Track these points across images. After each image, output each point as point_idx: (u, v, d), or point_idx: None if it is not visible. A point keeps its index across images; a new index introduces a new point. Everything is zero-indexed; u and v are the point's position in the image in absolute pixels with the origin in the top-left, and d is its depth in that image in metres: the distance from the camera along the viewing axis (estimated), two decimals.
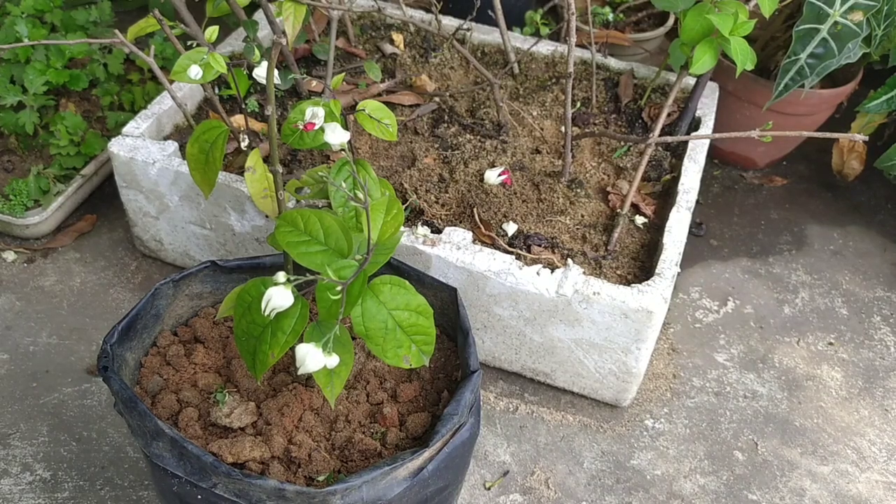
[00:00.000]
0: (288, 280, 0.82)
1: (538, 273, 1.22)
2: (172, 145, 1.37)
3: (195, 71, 1.03)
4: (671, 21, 1.95)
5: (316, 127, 0.91)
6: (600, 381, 1.31)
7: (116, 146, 1.37)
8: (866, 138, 1.11)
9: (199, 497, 0.92)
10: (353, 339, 1.08)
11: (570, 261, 1.24)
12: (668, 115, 1.52)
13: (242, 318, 0.90)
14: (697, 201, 1.68)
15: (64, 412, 1.29)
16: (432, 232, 1.30)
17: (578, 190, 1.39)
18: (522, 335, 1.29)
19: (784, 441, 1.34)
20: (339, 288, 0.82)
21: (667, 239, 1.28)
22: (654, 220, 1.39)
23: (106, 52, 1.69)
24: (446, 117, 1.53)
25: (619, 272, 1.29)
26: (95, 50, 1.68)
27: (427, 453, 0.93)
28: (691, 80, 1.55)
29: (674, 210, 1.33)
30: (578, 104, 1.58)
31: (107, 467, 1.23)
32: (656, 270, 1.23)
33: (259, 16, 1.66)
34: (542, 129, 1.51)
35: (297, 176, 1.36)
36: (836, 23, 1.39)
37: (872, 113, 1.62)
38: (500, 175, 1.33)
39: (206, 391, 1.05)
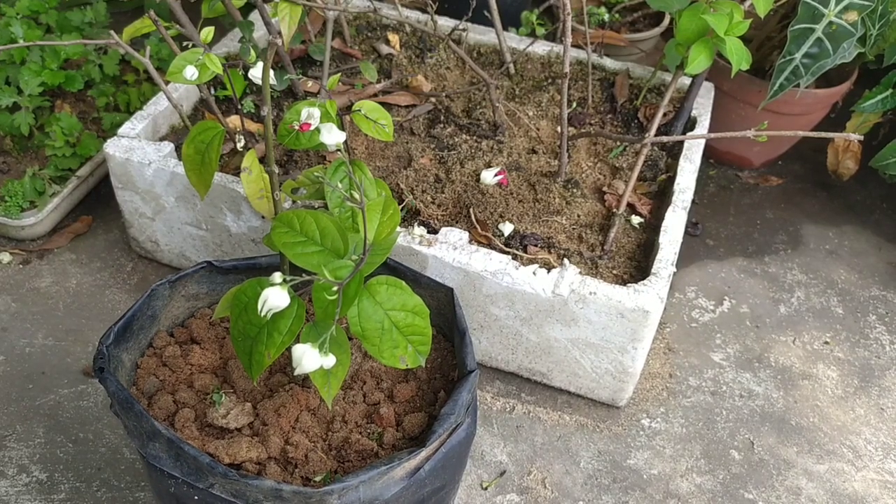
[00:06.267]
0: (284, 281, 0.82)
1: (534, 273, 1.22)
2: (168, 146, 1.37)
3: (191, 72, 1.03)
4: (667, 21, 1.95)
5: (312, 127, 0.91)
6: (597, 380, 1.31)
7: (112, 147, 1.37)
8: (861, 138, 1.11)
9: (196, 498, 0.92)
10: (350, 339, 1.08)
11: (566, 261, 1.24)
12: (664, 115, 1.52)
13: (239, 319, 0.90)
14: (693, 201, 1.69)
15: (60, 414, 1.29)
16: (429, 232, 1.30)
17: (574, 190, 1.39)
18: (519, 335, 1.29)
19: (780, 440, 1.34)
20: (335, 288, 0.82)
21: (663, 239, 1.28)
22: (650, 219, 1.39)
23: (101, 53, 1.69)
24: (442, 118, 1.53)
25: (615, 272, 1.29)
26: (91, 51, 1.67)
27: (424, 453, 0.94)
28: (687, 80, 1.55)
29: (670, 210, 1.33)
30: (574, 104, 1.58)
31: (103, 469, 1.23)
32: (652, 270, 1.23)
33: (255, 16, 1.66)
34: (538, 130, 1.51)
35: (294, 176, 1.36)
36: (830, 23, 1.39)
37: (867, 112, 1.63)
38: (496, 175, 1.33)
39: (203, 392, 1.05)
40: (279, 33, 1.32)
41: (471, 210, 1.34)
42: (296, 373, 0.83)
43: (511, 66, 1.61)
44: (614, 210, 1.36)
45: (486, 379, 1.38)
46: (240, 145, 1.36)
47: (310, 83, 1.56)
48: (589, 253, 1.31)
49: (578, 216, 1.37)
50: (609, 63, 1.65)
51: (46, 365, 1.35)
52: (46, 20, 1.69)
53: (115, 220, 1.59)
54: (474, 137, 1.48)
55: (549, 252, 1.30)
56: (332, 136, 0.89)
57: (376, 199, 0.89)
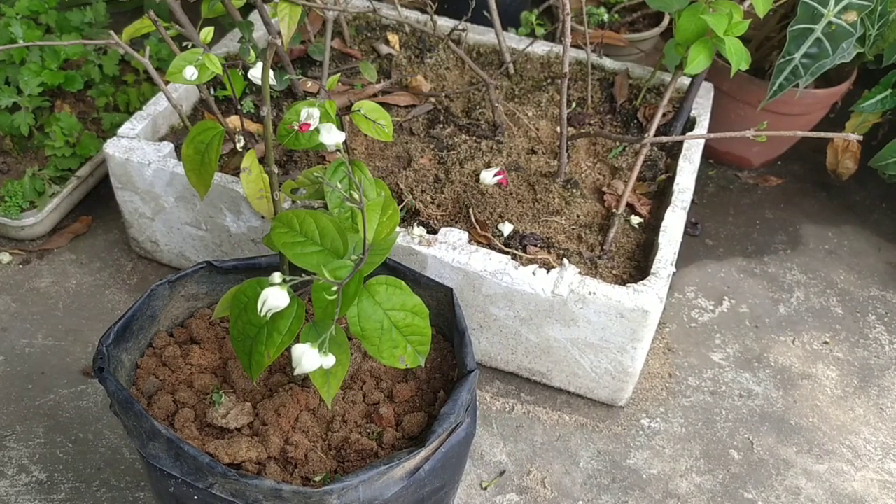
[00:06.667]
0: (284, 280, 0.82)
1: (534, 273, 1.22)
2: (168, 146, 1.37)
3: (191, 72, 1.03)
4: (666, 21, 1.96)
5: (311, 128, 0.91)
6: (596, 380, 1.31)
7: (112, 147, 1.37)
8: (861, 138, 1.11)
9: (196, 498, 0.92)
10: (350, 339, 1.08)
11: (565, 261, 1.24)
12: (664, 115, 1.52)
13: (238, 319, 0.90)
14: (693, 201, 1.69)
15: (60, 414, 1.29)
16: (428, 232, 1.30)
17: (574, 190, 1.39)
18: (518, 335, 1.29)
19: (780, 440, 1.34)
20: (334, 288, 0.82)
21: (662, 239, 1.28)
22: (649, 219, 1.39)
23: (101, 54, 1.69)
24: (442, 118, 1.53)
25: (614, 272, 1.29)
26: (90, 51, 1.67)
27: (423, 453, 0.94)
28: (686, 81, 1.56)
29: (669, 210, 1.33)
30: (574, 104, 1.58)
31: (103, 469, 1.23)
32: (652, 270, 1.23)
33: (254, 17, 1.66)
34: (537, 130, 1.51)
35: (293, 177, 1.36)
36: (830, 23, 1.39)
37: (867, 112, 1.63)
38: (495, 175, 1.33)
39: (203, 392, 1.05)
40: (279, 33, 1.32)
41: (470, 210, 1.34)
42: (295, 373, 0.83)
43: (510, 66, 1.61)
44: (614, 210, 1.36)
45: (486, 379, 1.38)
46: (239, 145, 1.36)
47: (309, 83, 1.56)
48: (588, 253, 1.31)
49: (578, 216, 1.37)
50: (608, 63, 1.65)
51: (46, 365, 1.35)
52: (46, 20, 1.69)
53: (115, 221, 1.59)
54: (474, 137, 1.49)
55: (549, 252, 1.30)
56: (332, 137, 0.89)
57: (376, 200, 0.89)
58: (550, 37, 1.85)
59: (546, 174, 1.42)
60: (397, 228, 1.13)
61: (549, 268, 1.24)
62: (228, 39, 1.63)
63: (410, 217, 1.35)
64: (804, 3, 1.40)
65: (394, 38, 1.69)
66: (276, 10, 1.24)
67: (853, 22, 1.39)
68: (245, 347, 0.90)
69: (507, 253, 1.27)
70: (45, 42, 1.11)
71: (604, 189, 1.42)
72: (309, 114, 0.91)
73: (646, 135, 1.33)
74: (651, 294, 1.19)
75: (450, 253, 1.24)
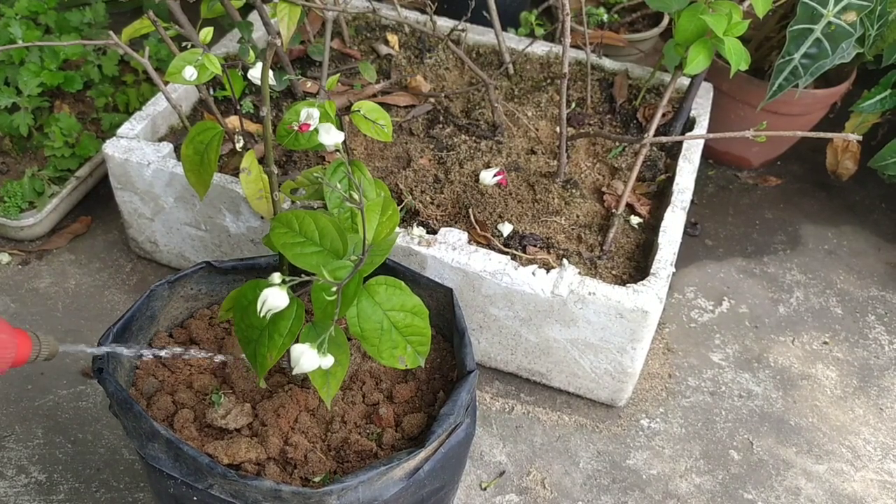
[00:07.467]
0: (283, 281, 0.82)
1: (534, 273, 1.22)
2: (167, 147, 1.37)
3: (190, 72, 1.03)
4: (665, 21, 1.96)
5: (311, 128, 0.91)
6: (596, 381, 1.31)
7: (111, 147, 1.36)
8: (860, 138, 1.11)
9: (195, 498, 0.92)
10: (350, 339, 1.08)
11: (565, 261, 1.24)
12: (663, 115, 1.52)
13: (241, 322, 0.90)
14: (692, 201, 1.69)
15: (59, 414, 1.29)
16: (428, 232, 1.30)
17: (573, 190, 1.39)
18: (518, 335, 1.29)
19: (779, 440, 1.34)
20: (334, 289, 0.82)
21: (662, 239, 1.28)
22: (649, 220, 1.39)
23: (100, 54, 1.69)
24: (441, 118, 1.53)
25: (614, 272, 1.29)
26: (90, 51, 1.67)
27: (423, 454, 0.94)
28: (686, 81, 1.56)
29: (669, 210, 1.33)
30: (573, 105, 1.58)
31: (102, 469, 1.22)
32: (651, 270, 1.23)
33: (254, 17, 1.66)
34: (537, 130, 1.51)
35: (293, 177, 1.36)
36: (829, 23, 1.39)
37: (866, 113, 1.63)
38: (495, 175, 1.33)
39: (202, 392, 1.05)
40: (278, 34, 1.32)
41: (470, 210, 1.34)
42: (294, 372, 0.83)
43: (510, 66, 1.61)
44: (613, 210, 1.36)
45: (486, 379, 1.38)
46: (239, 146, 1.36)
47: (309, 84, 1.56)
48: (588, 253, 1.31)
49: (577, 216, 1.37)
50: (608, 63, 1.65)
51: (45, 365, 1.35)
52: (45, 21, 1.69)
53: (115, 221, 1.59)
54: (473, 138, 1.48)
55: (549, 252, 1.30)
56: (330, 137, 0.89)
57: (375, 200, 0.89)
58: (550, 37, 1.85)
59: (546, 174, 1.42)
60: (397, 229, 1.13)
61: (548, 268, 1.24)
62: (228, 40, 1.63)
63: (410, 217, 1.35)
64: (804, 3, 1.40)
65: (393, 39, 1.69)
66: (276, 11, 1.24)
67: (852, 22, 1.39)
68: (250, 350, 0.90)
69: (506, 253, 1.27)
70: (45, 42, 1.11)
71: (603, 189, 1.42)
72: (308, 114, 0.91)
73: (645, 135, 1.33)
74: (651, 294, 1.19)
75: (449, 253, 1.24)
